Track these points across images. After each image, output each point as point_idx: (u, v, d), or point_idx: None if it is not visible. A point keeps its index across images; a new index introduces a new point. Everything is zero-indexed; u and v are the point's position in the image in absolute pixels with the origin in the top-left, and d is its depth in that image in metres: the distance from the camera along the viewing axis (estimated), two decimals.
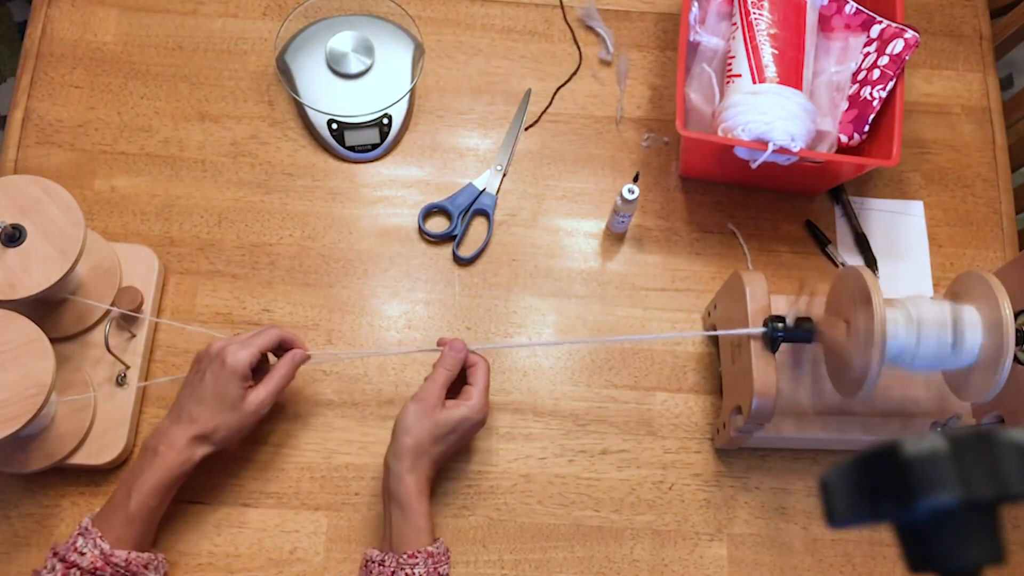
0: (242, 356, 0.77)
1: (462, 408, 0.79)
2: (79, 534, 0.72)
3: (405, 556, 0.74)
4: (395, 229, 0.97)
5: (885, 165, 0.89)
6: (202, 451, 0.77)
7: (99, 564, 0.70)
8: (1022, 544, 0.90)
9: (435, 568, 0.74)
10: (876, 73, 0.92)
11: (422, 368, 0.91)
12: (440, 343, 0.84)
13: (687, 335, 0.94)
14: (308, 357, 0.82)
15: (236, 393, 0.77)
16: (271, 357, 0.83)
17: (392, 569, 0.74)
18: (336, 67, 0.98)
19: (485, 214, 0.98)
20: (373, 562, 0.75)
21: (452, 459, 0.87)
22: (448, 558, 0.76)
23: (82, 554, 0.71)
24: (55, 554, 0.72)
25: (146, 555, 0.74)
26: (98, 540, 0.71)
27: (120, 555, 0.72)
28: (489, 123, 1.02)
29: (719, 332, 0.84)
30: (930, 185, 1.02)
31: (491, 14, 1.06)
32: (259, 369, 0.81)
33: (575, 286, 0.96)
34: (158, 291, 0.90)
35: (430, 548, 0.74)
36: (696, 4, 0.95)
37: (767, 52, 0.90)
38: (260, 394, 0.78)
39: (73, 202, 0.77)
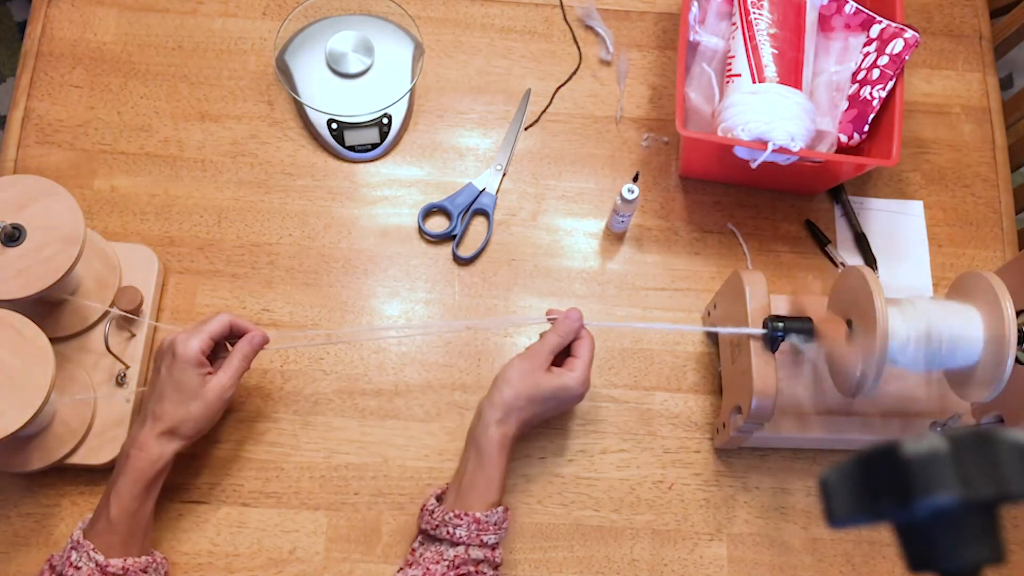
0: (192, 344, 0.76)
1: (565, 377, 0.80)
2: (72, 548, 0.71)
3: (451, 515, 0.75)
4: (395, 229, 0.97)
5: (885, 165, 0.90)
6: (172, 447, 0.75)
7: None
8: (1022, 544, 0.90)
9: (478, 535, 0.74)
10: (876, 73, 0.92)
11: (421, 367, 0.91)
12: (549, 314, 0.83)
13: (686, 328, 0.94)
14: (267, 339, 0.81)
15: (194, 382, 0.75)
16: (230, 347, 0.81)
17: (437, 523, 0.75)
18: (336, 67, 0.98)
19: (485, 214, 0.98)
20: (426, 510, 0.77)
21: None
22: (499, 529, 0.75)
23: (78, 568, 0.70)
24: (51, 567, 0.71)
25: (143, 559, 0.74)
26: (92, 552, 0.71)
27: (116, 564, 0.71)
28: (489, 123, 1.02)
29: (719, 329, 0.84)
30: (930, 185, 1.02)
31: (491, 14, 1.06)
32: (219, 357, 0.80)
33: (575, 286, 0.96)
34: (158, 291, 0.90)
35: (478, 515, 0.74)
36: (696, 4, 0.95)
37: (767, 52, 0.90)
38: (220, 379, 0.77)
39: (73, 202, 0.77)
